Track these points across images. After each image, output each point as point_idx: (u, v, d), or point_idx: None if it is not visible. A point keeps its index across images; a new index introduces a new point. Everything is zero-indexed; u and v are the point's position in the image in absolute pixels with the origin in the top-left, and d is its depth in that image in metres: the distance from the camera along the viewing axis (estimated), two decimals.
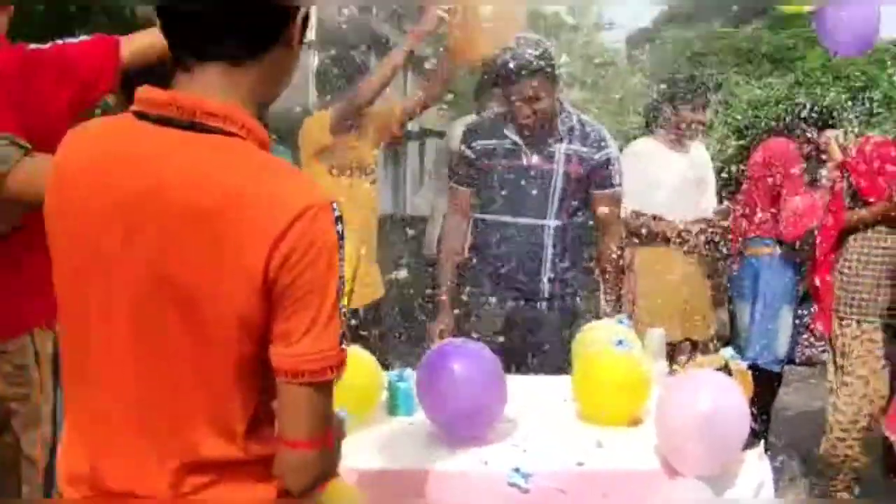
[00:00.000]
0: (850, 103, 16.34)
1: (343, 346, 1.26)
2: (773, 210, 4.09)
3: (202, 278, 1.20)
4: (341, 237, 1.23)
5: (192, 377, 1.24)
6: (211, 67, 1.25)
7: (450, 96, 4.69)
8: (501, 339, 3.41)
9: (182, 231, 1.20)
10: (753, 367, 3.59)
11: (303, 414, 1.26)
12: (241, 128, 1.24)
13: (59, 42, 2.12)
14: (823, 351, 6.00)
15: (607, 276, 3.50)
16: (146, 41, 2.21)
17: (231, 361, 1.24)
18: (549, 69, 3.26)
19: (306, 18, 1.30)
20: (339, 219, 1.23)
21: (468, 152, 3.46)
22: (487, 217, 3.46)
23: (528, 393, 2.49)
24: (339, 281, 1.23)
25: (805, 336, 5.98)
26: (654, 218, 4.10)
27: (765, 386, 4.10)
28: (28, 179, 1.72)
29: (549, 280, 3.43)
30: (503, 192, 3.39)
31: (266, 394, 1.29)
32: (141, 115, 1.26)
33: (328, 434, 1.30)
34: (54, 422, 2.13)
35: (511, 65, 3.20)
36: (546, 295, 3.44)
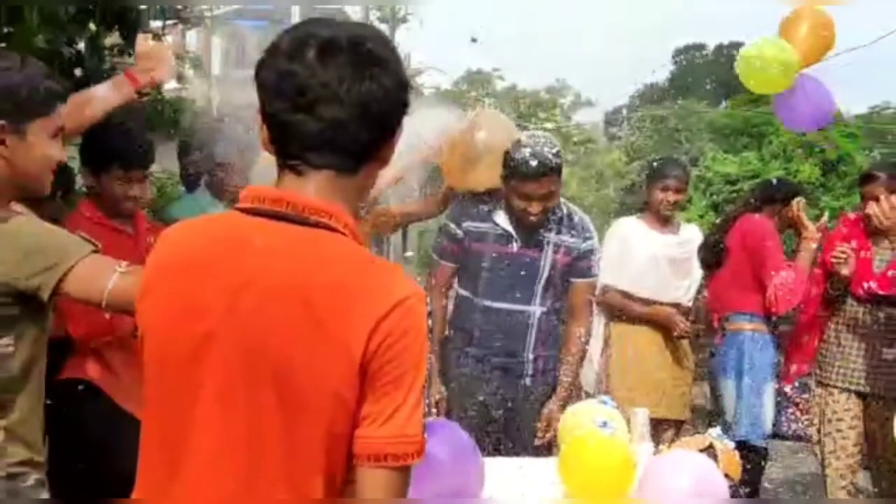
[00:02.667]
0: (824, 177, 16.64)
1: (425, 435, 1.29)
2: (754, 286, 4.13)
3: (302, 357, 1.25)
4: (430, 330, 1.31)
5: (281, 452, 1.27)
6: (320, 175, 1.34)
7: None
8: (484, 417, 3.42)
9: (285, 312, 1.26)
10: (740, 444, 3.59)
11: (384, 499, 1.27)
12: (344, 226, 1.33)
13: None
14: (809, 425, 6.03)
15: (569, 359, 3.50)
16: None
17: (321, 438, 1.27)
18: (561, 166, 3.33)
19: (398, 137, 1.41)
20: (429, 313, 1.32)
21: (457, 231, 3.47)
22: (473, 298, 3.48)
23: (515, 475, 2.46)
24: (426, 371, 1.29)
25: (791, 411, 5.99)
26: (624, 295, 4.14)
27: (752, 462, 4.09)
28: (91, 275, 1.77)
29: (532, 362, 3.47)
30: (490, 278, 3.41)
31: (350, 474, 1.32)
32: (248, 211, 1.34)
33: None
34: None
35: (532, 163, 3.23)
36: (529, 374, 3.47)
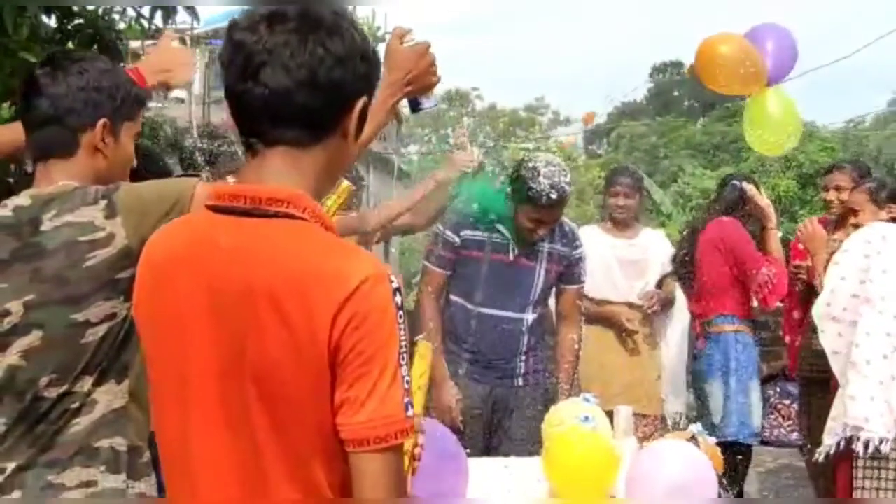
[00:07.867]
0: (802, 190, 16.78)
1: (409, 413, 1.27)
2: (733, 288, 4.18)
3: (276, 356, 1.25)
4: (399, 307, 1.28)
5: (274, 447, 1.28)
6: (275, 153, 1.32)
7: None
8: (479, 419, 3.47)
9: (255, 314, 1.26)
10: (725, 444, 3.61)
11: (375, 483, 1.26)
12: (304, 210, 1.30)
13: None
14: (791, 431, 6.05)
15: (566, 367, 3.56)
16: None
17: (312, 428, 1.27)
18: (571, 191, 3.40)
19: (364, 112, 1.37)
20: (397, 290, 1.28)
21: (454, 238, 3.48)
22: (468, 305, 3.50)
23: (501, 474, 2.49)
24: (401, 348, 1.26)
25: (773, 416, 6.00)
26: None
27: (738, 462, 4.14)
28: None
29: (524, 363, 3.53)
30: (488, 286, 3.44)
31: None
32: (215, 209, 1.34)
33: (406, 497, 1.31)
34: None
35: (553, 195, 3.26)
36: (521, 374, 3.53)
